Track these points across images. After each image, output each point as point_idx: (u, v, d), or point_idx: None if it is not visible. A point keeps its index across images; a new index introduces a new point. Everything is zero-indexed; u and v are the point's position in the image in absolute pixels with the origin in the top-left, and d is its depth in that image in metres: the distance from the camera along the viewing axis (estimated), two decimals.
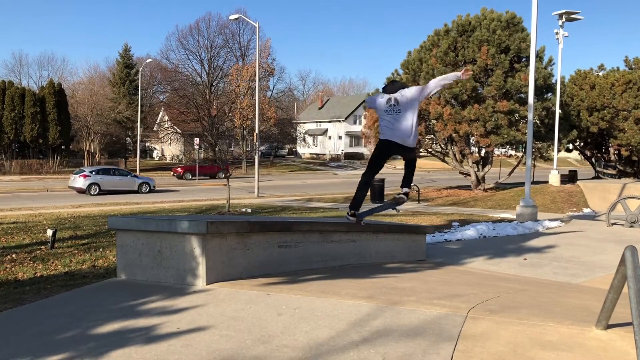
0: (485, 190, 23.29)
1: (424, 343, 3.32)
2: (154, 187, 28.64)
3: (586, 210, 17.34)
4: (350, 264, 6.62)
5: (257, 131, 27.50)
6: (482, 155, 23.93)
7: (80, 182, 26.31)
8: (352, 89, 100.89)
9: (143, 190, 27.69)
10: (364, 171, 5.98)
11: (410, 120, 5.58)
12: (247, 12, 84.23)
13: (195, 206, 19.31)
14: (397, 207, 6.47)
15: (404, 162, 6.07)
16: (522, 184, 17.26)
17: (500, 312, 3.91)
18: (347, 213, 6.02)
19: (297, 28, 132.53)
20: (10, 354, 3.35)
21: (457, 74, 5.79)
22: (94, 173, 27.33)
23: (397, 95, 5.63)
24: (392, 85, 5.79)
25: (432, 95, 5.44)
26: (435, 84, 5.81)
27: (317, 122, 75.02)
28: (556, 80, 23.35)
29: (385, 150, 5.76)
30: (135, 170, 47.10)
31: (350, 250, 6.72)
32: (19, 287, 5.65)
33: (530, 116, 14.53)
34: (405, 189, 6.07)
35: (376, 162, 5.88)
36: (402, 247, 7.76)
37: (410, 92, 5.63)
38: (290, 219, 7.82)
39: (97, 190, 26.31)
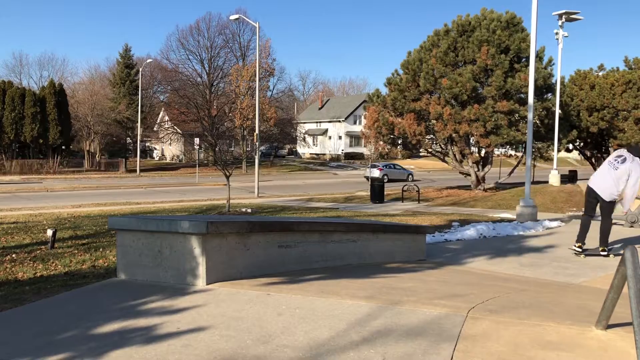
0: (485, 190, 23.30)
1: (424, 343, 3.32)
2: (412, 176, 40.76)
3: None
4: (350, 264, 6.62)
5: (257, 131, 27.51)
6: (482, 155, 23.95)
7: (376, 172, 36.95)
8: (352, 89, 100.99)
9: (409, 179, 38.62)
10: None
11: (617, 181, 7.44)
12: (247, 12, 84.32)
13: (195, 206, 19.32)
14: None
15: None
16: (522, 184, 17.26)
17: (500, 312, 3.91)
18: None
19: (297, 28, 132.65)
20: (10, 354, 3.35)
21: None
22: (385, 167, 40.79)
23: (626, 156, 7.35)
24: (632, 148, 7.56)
25: None
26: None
27: (317, 122, 75.04)
28: (556, 80, 23.38)
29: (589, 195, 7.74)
30: (136, 171, 47.18)
31: (350, 250, 6.72)
32: (19, 287, 5.65)
33: (530, 116, 14.53)
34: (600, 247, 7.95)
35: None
36: (402, 247, 7.77)
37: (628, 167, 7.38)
38: (290, 219, 7.82)
39: (387, 179, 35.08)
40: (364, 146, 60.86)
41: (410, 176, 40.91)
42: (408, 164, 55.22)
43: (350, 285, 5.02)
